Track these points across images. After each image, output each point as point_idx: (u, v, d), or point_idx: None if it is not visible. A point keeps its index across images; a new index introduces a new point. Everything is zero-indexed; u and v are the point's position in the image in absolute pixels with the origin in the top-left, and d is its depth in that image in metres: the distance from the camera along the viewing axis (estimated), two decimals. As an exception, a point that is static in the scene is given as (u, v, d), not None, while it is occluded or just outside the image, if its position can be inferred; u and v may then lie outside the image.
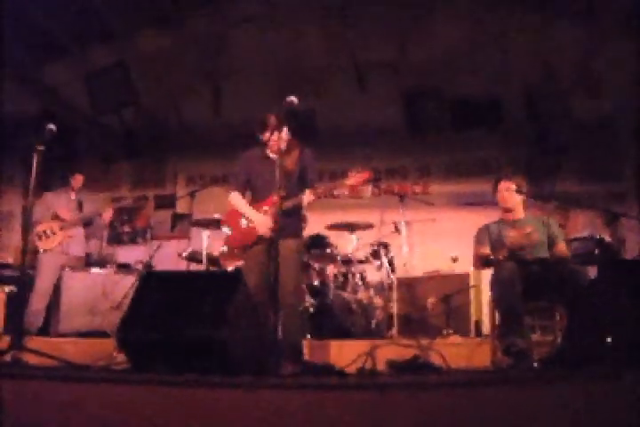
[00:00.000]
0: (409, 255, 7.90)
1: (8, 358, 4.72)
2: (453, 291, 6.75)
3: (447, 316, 6.73)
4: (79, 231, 7.75)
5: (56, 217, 7.56)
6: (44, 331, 7.33)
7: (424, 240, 8.56)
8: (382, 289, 7.68)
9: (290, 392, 3.25)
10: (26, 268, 6.71)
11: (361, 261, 7.77)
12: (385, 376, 4.38)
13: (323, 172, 8.36)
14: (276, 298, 4.40)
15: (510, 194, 5.91)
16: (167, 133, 11.19)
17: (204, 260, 7.63)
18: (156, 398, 3.31)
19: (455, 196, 9.98)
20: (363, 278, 7.71)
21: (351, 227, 7.90)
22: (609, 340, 3.56)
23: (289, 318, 5.02)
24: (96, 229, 8.04)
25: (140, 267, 8.32)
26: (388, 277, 7.63)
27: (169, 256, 8.75)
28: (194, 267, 8.18)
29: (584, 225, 8.73)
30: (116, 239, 11.02)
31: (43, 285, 7.41)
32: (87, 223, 7.82)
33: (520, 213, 5.97)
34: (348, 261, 7.63)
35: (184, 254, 8.06)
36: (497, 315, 5.62)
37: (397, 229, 8.03)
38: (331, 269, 7.64)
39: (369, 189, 8.39)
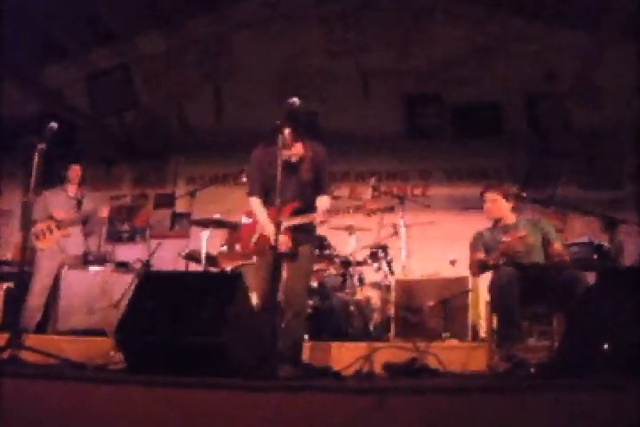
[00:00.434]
0: (407, 258, 7.91)
1: (5, 355, 4.73)
2: (451, 294, 6.75)
3: (444, 319, 6.73)
4: (77, 230, 7.74)
5: (51, 217, 7.56)
6: (42, 329, 7.34)
7: (423, 243, 8.56)
8: (380, 291, 7.68)
9: (287, 395, 3.25)
10: (24, 265, 6.72)
11: (360, 263, 7.76)
12: (382, 379, 4.39)
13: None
14: (274, 302, 4.41)
15: (496, 205, 5.95)
16: (168, 134, 11.19)
17: (203, 259, 7.62)
18: (153, 399, 3.32)
19: (454, 199, 9.98)
20: (361, 280, 7.71)
21: (350, 228, 7.91)
22: (606, 347, 3.57)
23: (294, 321, 5.03)
24: (94, 227, 8.03)
25: (138, 266, 8.31)
26: (387, 279, 7.64)
27: (168, 255, 8.74)
28: (192, 266, 8.17)
29: (583, 231, 8.73)
30: (114, 237, 11.02)
31: (40, 283, 7.41)
32: (85, 221, 7.81)
33: (511, 219, 6.01)
34: (346, 263, 7.63)
35: (183, 254, 8.05)
36: (494, 319, 5.64)
37: (396, 232, 8.04)
38: (329, 271, 7.64)
39: (369, 192, 8.43)
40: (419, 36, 9.78)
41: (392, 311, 7.07)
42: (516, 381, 4.42)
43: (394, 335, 6.92)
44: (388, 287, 7.43)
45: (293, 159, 5.39)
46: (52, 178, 7.58)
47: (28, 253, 7.08)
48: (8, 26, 9.12)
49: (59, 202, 7.67)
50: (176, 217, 10.89)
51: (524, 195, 6.10)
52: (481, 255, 5.92)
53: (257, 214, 5.54)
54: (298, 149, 5.41)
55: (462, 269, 6.76)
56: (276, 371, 4.04)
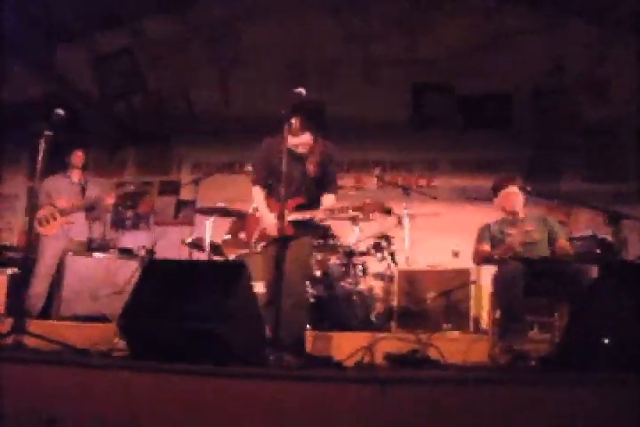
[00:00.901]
0: (411, 248, 7.91)
1: (9, 340, 4.75)
2: (454, 286, 6.76)
3: (446, 310, 6.74)
4: (80, 216, 7.74)
5: (54, 204, 7.56)
6: (46, 314, 7.36)
7: (426, 234, 8.54)
8: (383, 281, 7.70)
9: (289, 384, 3.27)
10: (29, 251, 6.74)
11: (363, 253, 7.77)
12: (383, 370, 4.41)
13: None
14: (278, 291, 4.43)
15: (518, 198, 5.96)
16: (174, 120, 11.17)
17: (207, 248, 7.63)
18: (155, 385, 3.34)
19: (459, 190, 9.99)
20: (364, 270, 7.71)
21: (354, 218, 7.91)
22: (607, 341, 3.58)
23: (293, 311, 5.03)
24: (99, 215, 8.04)
25: (142, 253, 8.32)
26: (390, 269, 7.64)
27: (172, 242, 8.77)
28: (196, 254, 8.19)
29: (586, 224, 8.74)
30: (119, 224, 11.03)
31: (44, 268, 7.43)
32: (89, 208, 7.81)
33: (521, 213, 6.03)
34: (349, 253, 7.63)
35: (187, 241, 8.06)
36: (496, 311, 5.66)
37: (400, 222, 8.04)
38: (333, 260, 7.65)
39: (374, 182, 8.44)
40: (428, 26, 9.74)
41: (394, 302, 7.08)
42: (516, 373, 4.44)
43: (396, 326, 6.94)
44: (390, 278, 7.45)
45: (300, 149, 5.39)
46: (57, 163, 7.57)
47: (33, 238, 7.09)
48: (16, 10, 9.13)
49: (62, 188, 7.67)
50: (180, 204, 10.90)
51: (529, 188, 6.10)
52: (486, 247, 5.97)
53: (257, 204, 5.57)
54: (306, 138, 5.40)
55: (465, 261, 6.77)
56: (279, 360, 4.06)
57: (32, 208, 6.08)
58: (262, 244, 5.52)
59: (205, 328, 3.85)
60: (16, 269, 7.83)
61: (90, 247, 8.22)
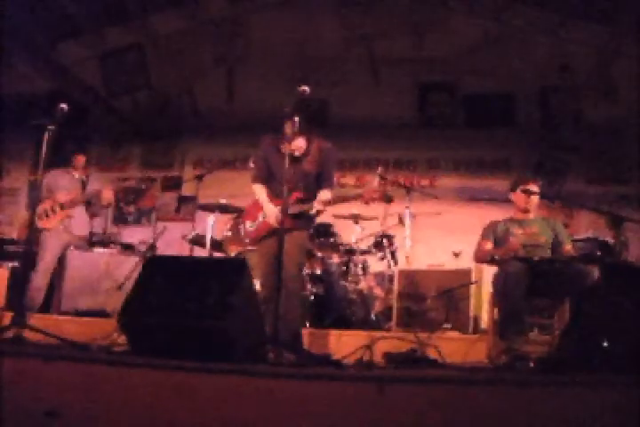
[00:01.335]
0: (412, 248, 7.91)
1: (10, 334, 4.76)
2: (454, 286, 6.76)
3: (446, 310, 6.74)
4: (81, 210, 7.74)
5: (54, 198, 7.55)
6: (46, 309, 7.36)
7: (428, 234, 8.55)
8: (383, 280, 7.71)
9: (287, 382, 3.28)
10: (30, 244, 6.74)
11: (364, 252, 7.78)
12: (382, 369, 4.41)
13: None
14: (278, 287, 4.44)
15: (534, 197, 5.95)
16: (178, 116, 11.19)
17: (208, 244, 7.64)
18: (154, 381, 3.34)
19: (462, 190, 9.98)
20: (364, 269, 7.71)
21: (356, 217, 7.91)
22: (606, 344, 3.58)
23: (288, 304, 5.03)
24: (97, 210, 8.03)
25: (143, 248, 8.34)
26: (390, 268, 7.65)
27: (173, 238, 8.77)
28: (197, 250, 8.20)
29: (588, 226, 8.74)
30: (120, 219, 11.05)
31: (44, 262, 7.41)
32: (88, 203, 7.81)
33: (531, 214, 6.03)
34: (350, 251, 7.64)
35: (188, 237, 8.07)
36: (496, 311, 5.67)
37: (402, 222, 8.04)
38: (333, 259, 7.66)
39: (376, 180, 8.42)
40: (434, 25, 9.75)
41: (394, 301, 7.08)
42: (515, 374, 4.44)
43: (395, 325, 6.94)
44: (391, 277, 7.45)
45: (297, 153, 5.48)
46: (60, 157, 7.56)
47: (34, 232, 7.09)
48: (23, 3, 9.13)
49: (63, 183, 7.65)
50: (182, 200, 10.89)
51: (537, 188, 6.09)
52: (489, 246, 5.96)
53: (260, 199, 5.65)
54: (300, 143, 5.50)
55: (466, 261, 6.78)
56: (279, 357, 4.07)
57: (34, 202, 6.08)
58: (254, 234, 5.61)
59: (205, 324, 3.86)
60: (17, 263, 7.84)
61: (91, 242, 8.22)
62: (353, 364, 4.30)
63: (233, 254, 7.54)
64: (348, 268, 7.59)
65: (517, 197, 6.03)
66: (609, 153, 9.66)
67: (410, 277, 7.18)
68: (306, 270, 7.27)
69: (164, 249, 8.59)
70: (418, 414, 3.02)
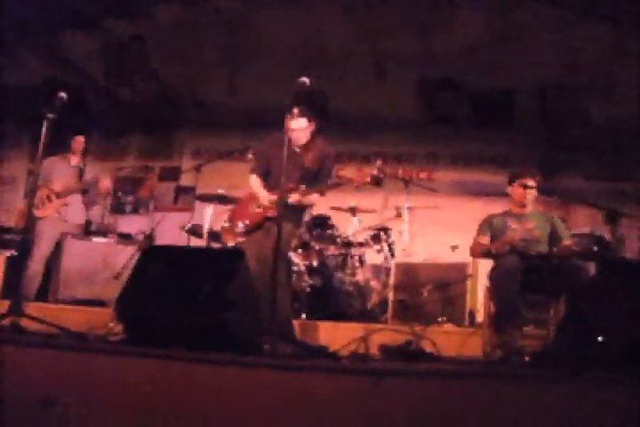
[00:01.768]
0: (409, 241, 7.93)
1: (7, 322, 4.77)
2: (451, 279, 6.78)
3: (442, 304, 6.76)
4: (77, 198, 7.72)
5: (50, 186, 7.55)
6: (43, 297, 7.38)
7: (425, 227, 8.56)
8: (380, 273, 7.72)
9: (283, 373, 3.29)
10: (27, 232, 6.75)
11: (361, 244, 7.79)
12: (377, 361, 4.42)
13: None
14: (274, 278, 4.46)
15: (531, 192, 5.95)
16: (179, 107, 11.18)
17: (205, 234, 7.65)
18: (150, 371, 3.36)
19: (460, 184, 9.98)
20: (361, 261, 7.73)
21: (353, 209, 7.92)
22: (601, 339, 3.60)
23: (277, 295, 5.06)
24: (94, 198, 8.02)
25: (141, 238, 8.36)
26: (387, 261, 7.67)
27: (171, 228, 8.77)
28: (195, 240, 8.21)
29: (585, 221, 8.72)
30: (118, 209, 11.04)
31: (40, 251, 7.40)
32: (85, 191, 7.80)
33: (528, 208, 6.03)
34: (348, 244, 7.65)
35: (185, 228, 8.08)
36: (492, 305, 5.68)
37: (399, 215, 8.06)
38: (330, 251, 7.67)
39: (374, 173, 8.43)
40: (440, 21, 9.73)
41: (391, 294, 7.10)
42: (509, 368, 4.46)
43: (391, 317, 6.95)
44: (387, 270, 7.47)
45: (295, 135, 5.57)
46: (58, 146, 7.55)
47: (31, 220, 7.10)
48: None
49: (59, 171, 7.63)
50: (180, 191, 10.88)
51: (536, 183, 6.10)
52: (485, 240, 5.96)
53: (255, 189, 5.83)
54: (302, 123, 5.61)
55: (463, 255, 6.78)
56: (274, 349, 4.09)
57: (31, 191, 6.08)
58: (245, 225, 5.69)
59: (202, 314, 3.87)
60: (14, 252, 7.85)
61: (88, 231, 8.23)
62: (348, 356, 4.31)
63: (230, 245, 7.55)
64: (345, 260, 7.61)
65: (515, 190, 6.03)
66: (609, 150, 9.65)
67: (406, 270, 7.19)
68: (303, 262, 7.29)
69: (162, 239, 8.60)
70: (413, 407, 3.04)
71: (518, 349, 5.03)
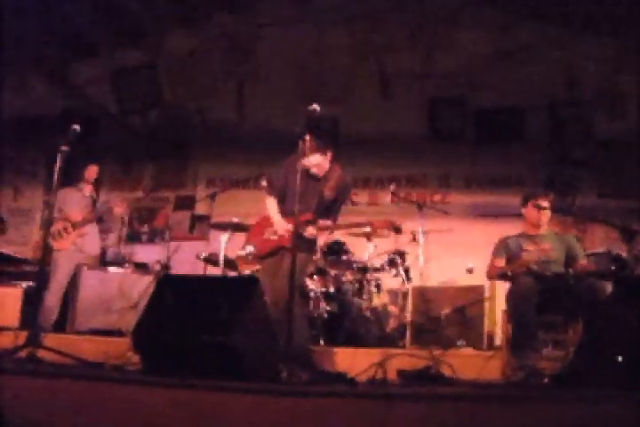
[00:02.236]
0: (425, 265, 7.90)
1: (24, 354, 4.78)
2: (468, 302, 6.74)
3: (461, 327, 6.72)
4: (93, 229, 7.77)
5: (66, 217, 7.60)
6: (60, 328, 7.39)
7: (441, 250, 8.53)
8: (397, 298, 7.69)
9: (301, 400, 3.28)
10: (44, 264, 6.78)
11: (377, 269, 7.76)
12: (395, 386, 4.40)
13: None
14: (290, 305, 4.45)
15: (546, 212, 5.94)
16: (190, 135, 11.24)
17: (221, 263, 7.65)
18: (167, 400, 3.35)
19: (474, 206, 9.93)
20: (378, 286, 7.72)
21: (368, 234, 7.91)
22: (620, 359, 3.57)
23: (295, 326, 5.04)
24: (109, 225, 8.06)
25: (157, 267, 8.36)
26: (404, 285, 7.64)
27: (187, 257, 8.77)
28: (211, 269, 8.21)
29: (601, 240, 8.68)
30: (134, 238, 11.05)
31: (57, 282, 7.47)
32: (100, 219, 7.85)
33: (543, 229, 6.01)
34: (364, 269, 7.63)
35: (201, 256, 8.09)
36: (510, 328, 5.64)
37: (414, 238, 8.04)
38: (347, 276, 7.65)
39: (388, 198, 8.44)
40: (443, 40, 9.79)
41: (408, 318, 7.06)
42: (528, 391, 4.42)
43: (409, 342, 6.92)
44: (404, 294, 7.43)
45: (314, 170, 5.52)
46: (72, 176, 7.60)
47: (48, 252, 7.13)
48: (36, 22, 9.24)
49: (73, 201, 7.70)
50: (195, 219, 10.90)
51: (549, 204, 6.08)
52: (501, 262, 5.95)
53: (270, 213, 5.80)
54: (316, 160, 5.59)
55: (479, 278, 6.75)
56: (291, 375, 4.07)
57: (47, 222, 6.12)
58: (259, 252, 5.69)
59: (219, 343, 3.87)
60: (31, 283, 7.87)
61: (104, 261, 8.25)
62: (366, 381, 4.30)
63: (246, 273, 7.55)
64: (361, 285, 7.59)
65: (529, 212, 6.02)
66: (620, 167, 9.60)
67: (423, 294, 7.16)
68: (320, 288, 7.28)
69: (178, 268, 8.60)
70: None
71: (537, 371, 5.00)
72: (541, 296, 5.30)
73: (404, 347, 6.85)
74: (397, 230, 5.70)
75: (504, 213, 8.38)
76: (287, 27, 10.07)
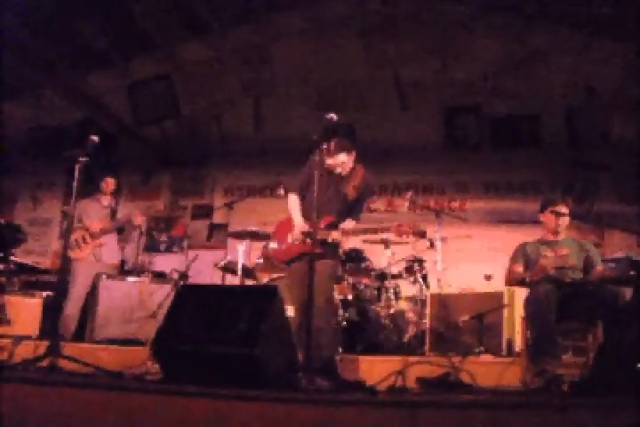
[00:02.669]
0: (443, 272, 7.89)
1: (45, 363, 4.80)
2: (486, 309, 6.72)
3: (479, 334, 6.70)
4: (112, 238, 7.84)
5: (85, 227, 7.65)
6: (80, 337, 7.42)
7: (459, 257, 8.53)
8: (416, 305, 7.67)
9: (321, 408, 3.28)
10: (63, 274, 6.81)
11: (395, 276, 7.77)
12: (415, 394, 4.40)
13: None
14: (310, 313, 4.44)
15: (564, 218, 5.93)
16: (207, 144, 11.28)
17: (240, 271, 7.67)
18: (188, 409, 3.36)
19: (491, 213, 9.93)
20: (396, 293, 7.70)
21: (386, 241, 7.90)
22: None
23: (320, 333, 5.03)
24: (129, 235, 8.11)
25: (176, 276, 8.37)
26: (422, 292, 7.63)
27: (205, 266, 8.79)
28: (229, 278, 8.23)
29: (620, 246, 8.66)
30: (152, 248, 11.09)
31: (76, 292, 7.52)
32: (120, 230, 7.90)
33: (561, 235, 6.00)
34: (382, 276, 7.64)
35: (220, 265, 8.11)
36: (529, 334, 5.63)
37: (432, 245, 8.02)
38: (365, 283, 7.65)
39: (405, 205, 8.44)
40: (458, 48, 9.80)
41: (427, 325, 7.06)
42: (548, 398, 4.40)
43: (428, 349, 6.91)
44: (423, 301, 7.42)
45: (338, 169, 5.54)
46: (90, 187, 7.64)
47: (66, 262, 7.17)
48: (52, 34, 9.30)
49: (92, 211, 7.77)
50: (213, 228, 10.94)
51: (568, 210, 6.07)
52: (519, 268, 5.94)
53: (291, 211, 5.75)
54: (341, 159, 5.58)
55: (498, 284, 6.74)
56: (311, 384, 4.07)
57: (66, 232, 6.14)
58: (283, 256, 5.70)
59: (238, 352, 3.88)
60: (50, 293, 7.91)
61: (123, 271, 8.28)
62: (386, 389, 4.29)
63: (264, 281, 7.56)
64: (379, 292, 7.59)
65: (547, 218, 6.01)
66: (637, 172, 9.57)
67: (442, 300, 7.15)
68: (338, 296, 7.27)
69: (196, 277, 8.61)
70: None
71: (557, 377, 4.97)
72: (561, 302, 5.29)
73: (422, 354, 6.84)
74: (422, 234, 5.68)
75: (522, 219, 8.39)
76: (301, 38, 10.10)
